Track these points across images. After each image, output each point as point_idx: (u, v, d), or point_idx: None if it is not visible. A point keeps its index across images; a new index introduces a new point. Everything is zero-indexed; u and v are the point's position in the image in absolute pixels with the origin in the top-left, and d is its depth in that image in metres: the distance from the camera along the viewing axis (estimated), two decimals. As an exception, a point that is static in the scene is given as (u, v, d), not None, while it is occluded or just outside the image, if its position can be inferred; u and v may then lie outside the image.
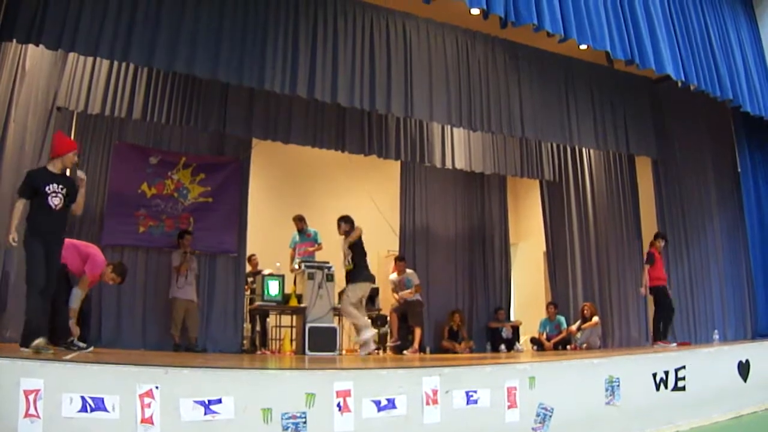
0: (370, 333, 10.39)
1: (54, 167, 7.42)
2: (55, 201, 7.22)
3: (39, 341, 6.62)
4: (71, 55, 10.20)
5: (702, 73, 9.96)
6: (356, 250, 10.64)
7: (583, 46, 9.30)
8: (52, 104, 10.41)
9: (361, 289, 10.59)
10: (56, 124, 10.53)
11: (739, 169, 12.07)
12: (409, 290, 13.23)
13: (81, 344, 7.90)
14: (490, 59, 11.38)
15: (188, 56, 8.96)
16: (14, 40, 8.63)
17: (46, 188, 7.17)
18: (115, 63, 10.56)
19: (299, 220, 13.23)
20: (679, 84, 9.89)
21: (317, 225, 13.48)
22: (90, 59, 10.45)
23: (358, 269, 10.57)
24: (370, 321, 11.42)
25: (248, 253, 12.95)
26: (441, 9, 9.09)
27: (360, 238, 10.71)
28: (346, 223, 10.83)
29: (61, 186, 7.28)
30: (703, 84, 9.95)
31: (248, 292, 12.96)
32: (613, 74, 12.45)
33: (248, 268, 13.18)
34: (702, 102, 11.46)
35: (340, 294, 10.97)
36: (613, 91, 12.63)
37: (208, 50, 9.07)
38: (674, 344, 11.02)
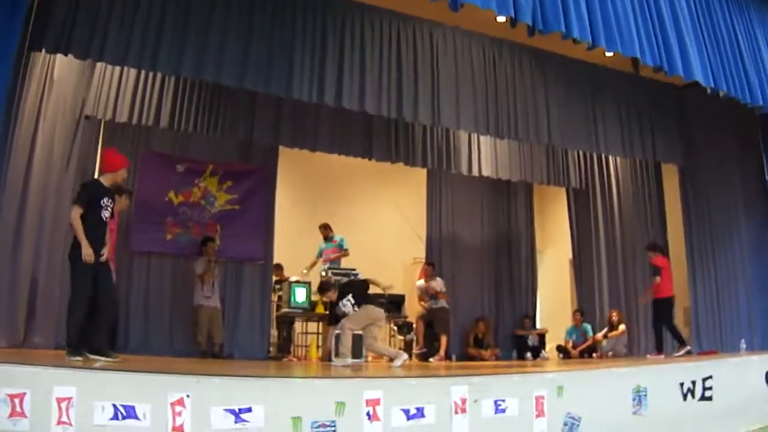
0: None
1: (106, 181, 7.53)
2: (106, 214, 7.32)
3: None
4: (99, 63, 10.29)
5: (731, 79, 9.84)
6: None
7: (610, 53, 9.26)
8: (80, 113, 10.55)
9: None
10: (84, 132, 10.64)
11: (767, 177, 11.96)
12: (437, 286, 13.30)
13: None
14: (517, 67, 11.36)
15: (216, 65, 9.02)
16: (43, 50, 8.73)
17: (101, 201, 7.27)
18: (143, 71, 10.64)
19: (324, 228, 13.28)
20: (708, 90, 9.80)
21: (344, 232, 13.50)
22: (117, 68, 10.53)
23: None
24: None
25: (275, 260, 12.95)
26: (468, 17, 9.04)
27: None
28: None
29: (110, 200, 7.40)
30: (732, 90, 9.83)
31: (276, 299, 12.98)
32: (639, 81, 12.40)
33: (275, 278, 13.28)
34: (728, 109, 11.34)
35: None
36: (640, 99, 12.55)
37: (236, 59, 9.12)
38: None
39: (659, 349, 11.51)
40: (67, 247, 7.27)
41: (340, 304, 9.60)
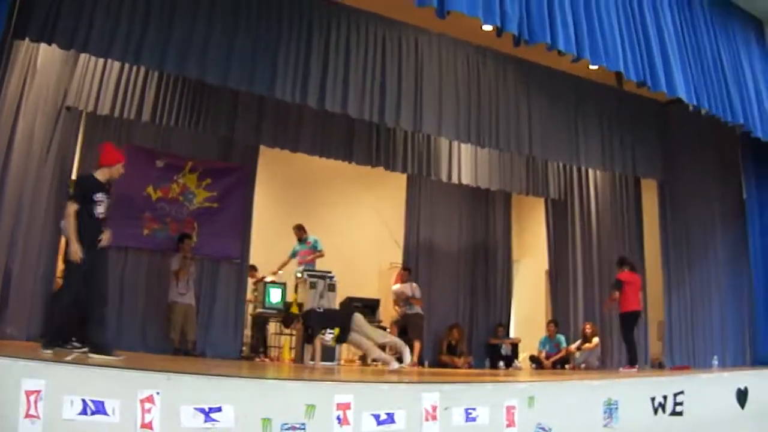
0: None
1: (101, 176, 7.39)
2: (99, 210, 7.21)
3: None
4: (83, 54, 10.21)
5: (713, 98, 9.87)
6: None
7: (595, 67, 9.27)
8: (62, 103, 10.49)
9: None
10: (64, 123, 10.57)
11: (745, 196, 12.03)
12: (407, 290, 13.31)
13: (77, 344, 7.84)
14: (501, 76, 11.38)
15: (200, 62, 8.98)
16: (27, 39, 8.66)
17: (94, 196, 7.17)
18: (127, 64, 10.56)
19: (299, 229, 13.25)
20: (691, 108, 9.83)
21: (321, 234, 13.46)
22: (101, 59, 10.45)
23: None
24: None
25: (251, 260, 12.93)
26: (454, 24, 9.02)
27: None
28: None
29: (104, 195, 7.27)
30: (714, 108, 9.86)
31: (253, 299, 12.96)
32: (622, 96, 12.47)
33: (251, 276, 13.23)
34: (710, 126, 11.38)
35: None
36: (622, 113, 12.61)
37: (220, 57, 9.08)
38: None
39: (632, 362, 11.56)
40: (45, 236, 7.18)
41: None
